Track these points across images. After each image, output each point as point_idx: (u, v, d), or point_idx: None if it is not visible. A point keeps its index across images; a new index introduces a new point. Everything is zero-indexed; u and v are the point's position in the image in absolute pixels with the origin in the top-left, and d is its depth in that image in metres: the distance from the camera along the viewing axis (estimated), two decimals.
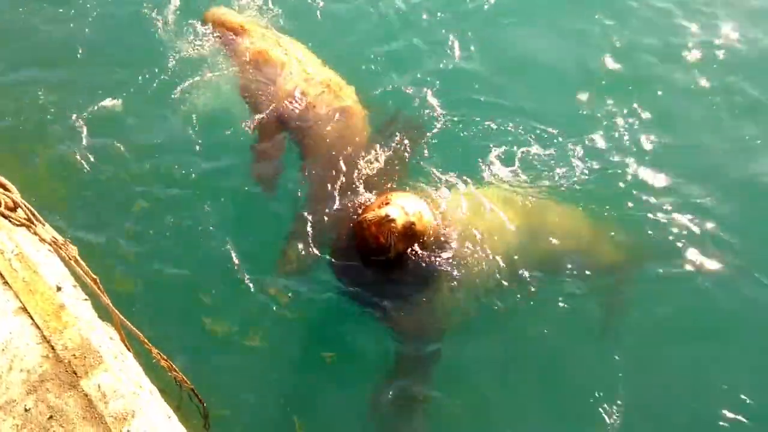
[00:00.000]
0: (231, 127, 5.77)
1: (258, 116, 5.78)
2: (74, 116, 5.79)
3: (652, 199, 5.50)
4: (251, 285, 4.83)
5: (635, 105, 6.15)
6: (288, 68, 5.95)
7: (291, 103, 5.77)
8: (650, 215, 5.40)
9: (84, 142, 5.64)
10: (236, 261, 4.96)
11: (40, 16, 6.60)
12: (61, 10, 6.63)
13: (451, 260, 4.63)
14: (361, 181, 5.24)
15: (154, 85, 6.03)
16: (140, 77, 6.09)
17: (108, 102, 5.90)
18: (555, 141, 5.82)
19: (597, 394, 4.53)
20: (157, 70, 6.10)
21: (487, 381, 4.62)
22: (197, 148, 5.70)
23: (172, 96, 5.92)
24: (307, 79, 5.89)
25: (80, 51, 6.33)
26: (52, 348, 3.17)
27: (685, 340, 4.83)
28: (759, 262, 5.16)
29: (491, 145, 5.73)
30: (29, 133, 5.74)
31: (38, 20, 6.57)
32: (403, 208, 4.37)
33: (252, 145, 5.72)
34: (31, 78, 6.11)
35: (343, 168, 5.41)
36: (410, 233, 4.38)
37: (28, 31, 6.50)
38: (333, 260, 4.77)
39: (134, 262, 4.91)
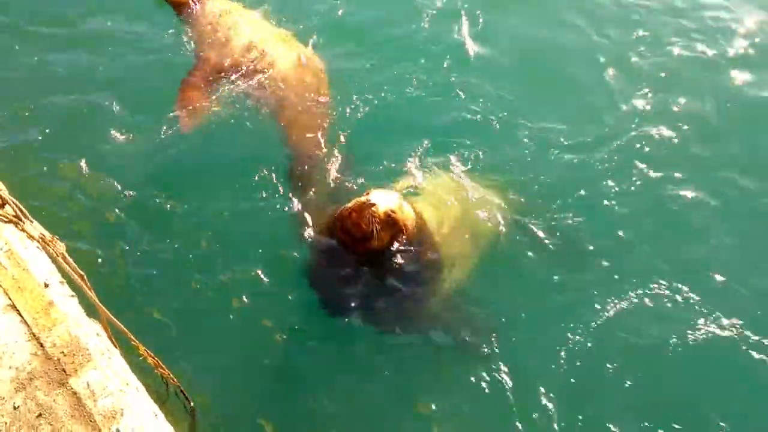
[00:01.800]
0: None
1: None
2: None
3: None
4: (236, 289, 4.88)
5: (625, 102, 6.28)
6: (246, 28, 6.27)
7: (245, 56, 6.07)
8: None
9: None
10: (223, 264, 5.02)
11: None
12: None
13: (435, 252, 4.72)
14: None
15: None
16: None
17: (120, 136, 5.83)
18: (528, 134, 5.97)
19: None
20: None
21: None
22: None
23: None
24: (264, 38, 6.23)
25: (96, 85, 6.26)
26: (41, 345, 3.18)
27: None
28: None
29: (460, 138, 5.89)
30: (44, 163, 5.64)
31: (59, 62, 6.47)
32: (383, 197, 4.47)
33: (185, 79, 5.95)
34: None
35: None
36: (391, 221, 4.44)
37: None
38: (312, 267, 4.83)
39: (125, 265, 4.92)
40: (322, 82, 6.24)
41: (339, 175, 5.53)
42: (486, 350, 4.64)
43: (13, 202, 3.66)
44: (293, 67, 6.14)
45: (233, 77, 6.02)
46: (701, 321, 4.84)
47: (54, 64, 6.27)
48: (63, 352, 3.19)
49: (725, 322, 4.83)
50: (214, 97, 5.95)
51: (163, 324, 4.60)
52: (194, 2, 6.45)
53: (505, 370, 4.57)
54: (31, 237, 3.63)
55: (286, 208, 5.27)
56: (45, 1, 6.92)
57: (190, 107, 5.87)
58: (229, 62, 6.08)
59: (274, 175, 5.51)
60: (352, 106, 6.13)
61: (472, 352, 4.67)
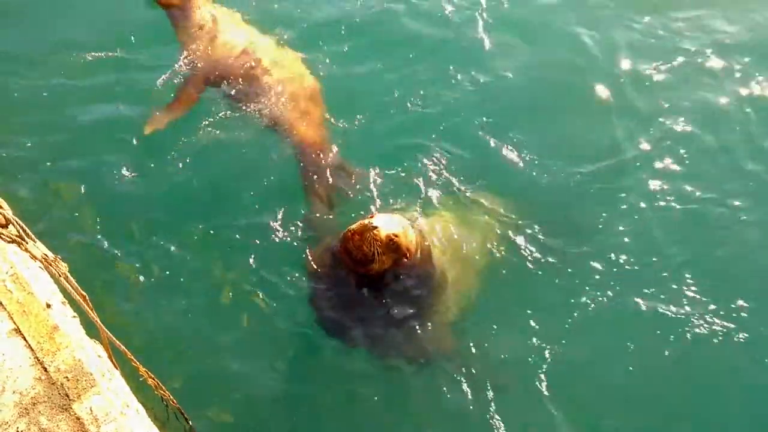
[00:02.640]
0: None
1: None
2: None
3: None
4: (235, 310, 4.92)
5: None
6: (239, 34, 6.31)
7: (240, 63, 6.10)
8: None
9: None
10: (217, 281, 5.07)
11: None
12: None
13: (437, 278, 4.76)
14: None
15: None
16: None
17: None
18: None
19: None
20: None
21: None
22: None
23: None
24: (258, 45, 6.26)
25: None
26: (45, 370, 3.20)
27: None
28: None
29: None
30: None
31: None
32: (387, 221, 4.49)
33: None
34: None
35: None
36: (394, 246, 4.44)
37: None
38: (312, 287, 4.86)
39: (127, 283, 4.94)
40: (318, 89, 6.28)
41: (340, 189, 5.58)
42: (480, 381, 4.68)
43: (17, 222, 3.67)
44: (289, 75, 6.17)
45: (228, 84, 6.05)
46: (707, 356, 4.90)
47: (56, 84, 6.28)
48: (67, 377, 3.20)
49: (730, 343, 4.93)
50: (212, 107, 5.98)
51: (161, 346, 4.62)
52: (186, 6, 6.40)
53: (498, 403, 4.62)
54: (33, 257, 3.66)
55: (288, 224, 5.30)
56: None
57: (166, 113, 5.94)
58: (223, 69, 6.10)
59: (274, 190, 5.57)
60: (351, 118, 6.17)
61: (466, 383, 4.71)
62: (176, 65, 6.18)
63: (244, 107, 5.99)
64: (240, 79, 6.05)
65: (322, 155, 5.79)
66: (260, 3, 7.02)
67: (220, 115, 5.94)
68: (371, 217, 4.46)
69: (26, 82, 6.22)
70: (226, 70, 6.09)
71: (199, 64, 6.13)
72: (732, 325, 4.98)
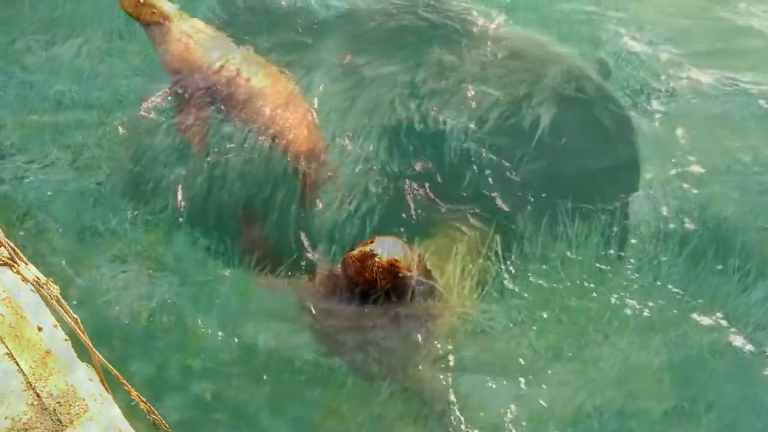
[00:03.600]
0: None
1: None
2: None
3: None
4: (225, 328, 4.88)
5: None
6: (217, 48, 6.30)
7: (221, 74, 6.09)
8: None
9: None
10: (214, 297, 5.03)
11: None
12: None
13: (436, 300, 4.76)
14: None
15: None
16: None
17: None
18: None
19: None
20: None
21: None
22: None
23: None
24: (237, 57, 6.26)
25: None
26: (38, 395, 3.16)
27: None
28: None
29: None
30: None
31: None
32: (387, 247, 4.50)
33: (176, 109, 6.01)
34: None
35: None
36: (395, 271, 4.48)
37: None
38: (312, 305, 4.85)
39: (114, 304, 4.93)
40: (297, 97, 6.29)
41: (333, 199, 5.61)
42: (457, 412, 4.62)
43: (8, 244, 3.64)
44: (271, 84, 6.17)
45: (212, 96, 6.06)
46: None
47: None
48: (59, 403, 3.17)
49: None
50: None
51: (154, 366, 4.59)
52: (161, 22, 6.40)
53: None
54: (25, 279, 3.62)
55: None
56: None
57: (196, 132, 5.96)
58: (206, 81, 6.11)
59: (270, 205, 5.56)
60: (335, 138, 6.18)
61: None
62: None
63: (228, 118, 5.99)
64: (224, 93, 6.06)
65: (314, 159, 5.83)
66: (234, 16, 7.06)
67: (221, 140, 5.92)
68: (370, 242, 4.48)
69: None
70: (210, 84, 6.09)
71: (185, 79, 6.13)
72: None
